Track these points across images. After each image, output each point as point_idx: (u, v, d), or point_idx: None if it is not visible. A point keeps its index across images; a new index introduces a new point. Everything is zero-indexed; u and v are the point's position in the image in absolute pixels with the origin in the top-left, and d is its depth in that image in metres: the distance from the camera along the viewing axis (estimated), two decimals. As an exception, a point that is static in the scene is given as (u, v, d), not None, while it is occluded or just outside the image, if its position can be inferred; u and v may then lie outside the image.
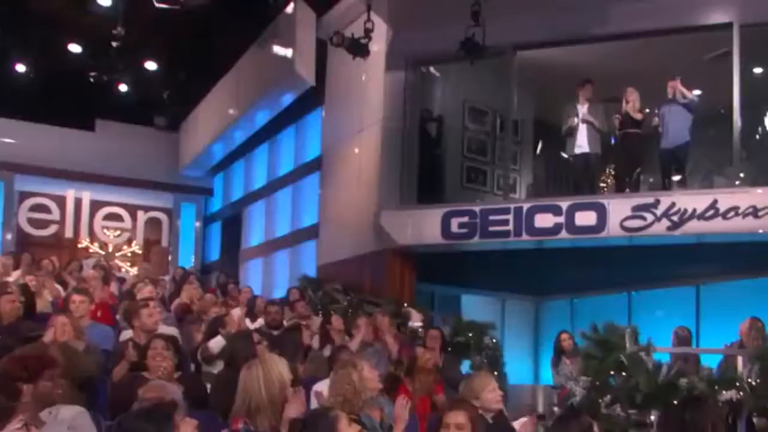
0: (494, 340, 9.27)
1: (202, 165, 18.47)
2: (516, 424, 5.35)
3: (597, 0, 10.37)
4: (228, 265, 17.00)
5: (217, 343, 7.33)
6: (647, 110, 10.46)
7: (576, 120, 10.58)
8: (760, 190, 9.05)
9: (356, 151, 12.75)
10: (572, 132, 10.65)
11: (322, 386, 5.87)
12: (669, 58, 10.70)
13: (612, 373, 6.27)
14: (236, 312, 8.79)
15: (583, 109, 10.67)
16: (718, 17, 9.75)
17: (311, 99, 14.21)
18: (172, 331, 7.36)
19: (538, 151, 12.48)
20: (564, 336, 9.03)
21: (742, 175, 9.63)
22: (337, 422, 4.57)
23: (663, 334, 9.10)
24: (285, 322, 9.30)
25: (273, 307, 9.52)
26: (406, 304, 10.68)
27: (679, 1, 9.85)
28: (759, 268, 10.25)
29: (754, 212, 8.88)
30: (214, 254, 18.69)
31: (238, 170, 17.70)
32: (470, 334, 9.29)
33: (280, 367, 4.41)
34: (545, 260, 11.11)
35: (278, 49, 13.69)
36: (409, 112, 12.02)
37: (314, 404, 5.76)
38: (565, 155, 13.05)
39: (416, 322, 8.92)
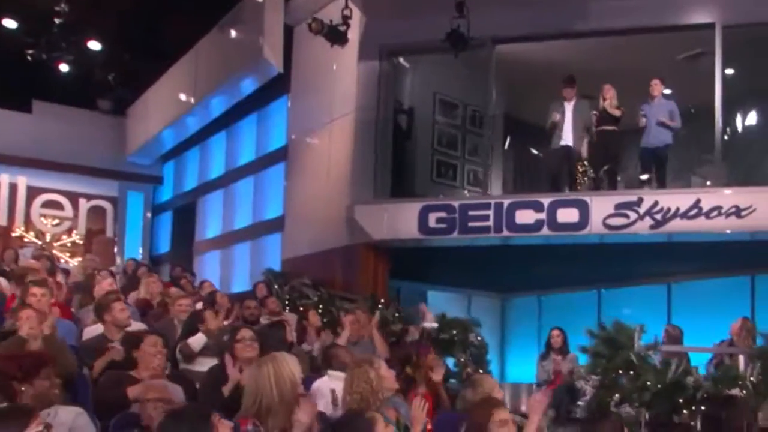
0: (479, 338, 9.23)
1: (151, 152, 17.88)
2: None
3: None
4: (180, 257, 16.53)
5: (197, 341, 7.05)
6: (623, 109, 10.53)
7: (559, 116, 10.61)
8: (743, 190, 9.24)
9: (327, 141, 12.53)
10: (556, 127, 10.66)
11: (321, 383, 5.71)
12: (647, 56, 10.86)
13: (620, 372, 6.28)
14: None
15: (569, 106, 10.71)
16: (700, 17, 9.91)
17: (276, 86, 13.89)
18: (139, 326, 7.03)
19: (506, 146, 12.43)
20: (555, 332, 9.06)
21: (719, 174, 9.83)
22: (375, 424, 4.45)
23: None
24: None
25: (251, 302, 9.26)
26: (382, 301, 10.56)
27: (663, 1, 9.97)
28: (733, 267, 10.52)
29: (737, 212, 9.07)
30: (164, 246, 18.15)
31: (192, 158, 17.21)
32: (454, 332, 9.22)
33: (291, 365, 4.27)
34: (513, 257, 11.14)
35: (244, 34, 13.36)
36: (383, 103, 11.88)
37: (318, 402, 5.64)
38: (535, 151, 13.25)
39: (430, 322, 8.79)
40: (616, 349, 6.37)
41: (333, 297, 11.30)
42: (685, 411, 6.03)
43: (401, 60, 12.63)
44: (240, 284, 14.20)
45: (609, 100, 10.50)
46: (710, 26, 9.86)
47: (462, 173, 13.08)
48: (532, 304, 13.52)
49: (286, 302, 11.41)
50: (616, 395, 6.21)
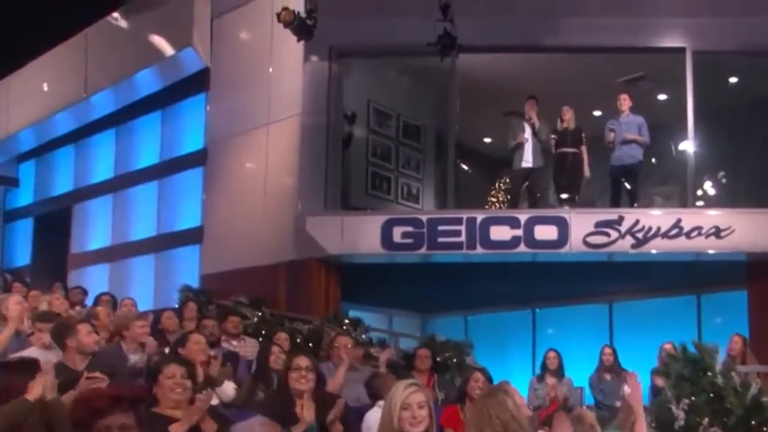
0: (476, 362, 8.79)
1: (4, 150, 15.74)
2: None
3: (550, 10, 10.38)
4: (47, 271, 14.50)
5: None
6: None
7: (524, 137, 10.49)
8: (722, 212, 9.60)
9: (263, 146, 11.52)
10: (519, 147, 10.55)
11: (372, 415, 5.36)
12: (601, 76, 11.12)
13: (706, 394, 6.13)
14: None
15: (529, 126, 10.63)
16: (671, 41, 10.23)
17: (187, 84, 12.69)
18: (39, 354, 5.86)
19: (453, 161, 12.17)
20: (551, 354, 8.81)
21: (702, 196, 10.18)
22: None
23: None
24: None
25: (209, 321, 8.24)
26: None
27: (634, 21, 10.17)
28: (678, 287, 10.91)
29: (717, 232, 9.39)
30: (22, 258, 15.84)
31: (64, 159, 15.20)
32: (447, 354, 8.72)
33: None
34: (434, 275, 10.89)
35: (160, 23, 12.06)
36: (332, 107, 11.16)
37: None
38: (465, 167, 13.10)
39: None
40: (699, 370, 6.22)
41: (279, 317, 10.37)
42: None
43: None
44: (141, 303, 12.67)
45: (567, 121, 10.53)
46: (681, 50, 10.18)
47: (396, 186, 12.62)
48: (457, 324, 13.23)
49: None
50: (705, 419, 6.04)
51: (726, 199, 10.50)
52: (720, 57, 10.22)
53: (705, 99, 10.24)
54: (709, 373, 6.22)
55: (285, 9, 9.52)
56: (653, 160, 11.45)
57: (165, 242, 12.82)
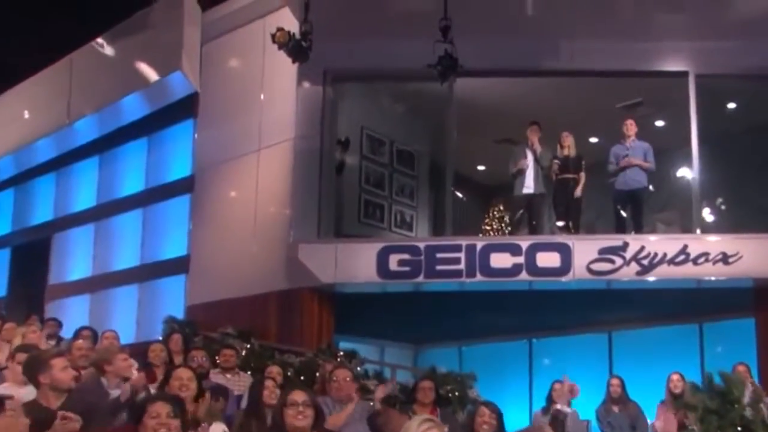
0: (479, 395, 8.38)
1: (-21, 178, 15.29)
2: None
3: (550, 33, 10.19)
4: (24, 303, 13.94)
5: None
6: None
7: (526, 163, 10.29)
8: (729, 237, 9.34)
9: (253, 172, 11.15)
10: (521, 174, 10.33)
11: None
12: (599, 101, 10.93)
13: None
14: None
15: (531, 152, 10.41)
16: (674, 65, 10.06)
17: (175, 110, 12.34)
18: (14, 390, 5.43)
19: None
20: (557, 386, 8.41)
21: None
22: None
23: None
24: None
25: (198, 352, 7.85)
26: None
27: (636, 45, 10.00)
28: (679, 315, 10.61)
29: (724, 258, 9.12)
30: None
31: (45, 187, 14.73)
32: (449, 387, 8.31)
33: None
34: (429, 304, 10.53)
35: (150, 47, 11.73)
36: (327, 132, 10.83)
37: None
38: (459, 194, 12.83)
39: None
40: (726, 403, 5.86)
41: (268, 350, 9.93)
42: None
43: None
44: (123, 335, 12.14)
45: (567, 147, 10.33)
46: (683, 74, 10.01)
47: (390, 214, 12.29)
48: (452, 356, 12.83)
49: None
50: (733, 454, 5.68)
51: (731, 224, 10.26)
52: (723, 81, 10.03)
53: (708, 123, 10.03)
54: (737, 406, 5.88)
55: (280, 30, 9.21)
56: (650, 186, 11.31)
57: (149, 272, 12.36)
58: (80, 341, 7.89)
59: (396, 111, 12.55)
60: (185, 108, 12.20)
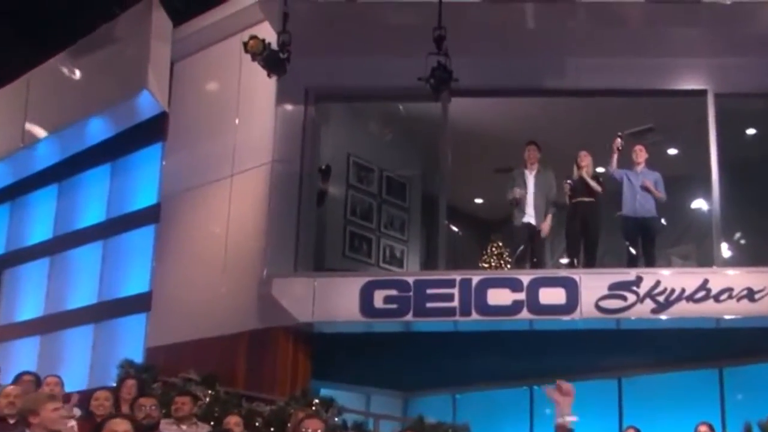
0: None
1: None
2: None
3: (554, 50, 9.87)
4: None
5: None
6: (602, 181, 10.08)
7: (521, 192, 9.95)
8: (755, 271, 8.89)
9: (225, 200, 10.68)
10: (519, 203, 9.94)
11: None
12: (608, 126, 10.59)
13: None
14: None
15: (532, 176, 10.05)
16: (691, 83, 9.74)
17: (143, 131, 11.92)
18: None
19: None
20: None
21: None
22: None
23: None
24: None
25: (147, 400, 7.27)
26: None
27: (648, 61, 9.69)
28: (697, 359, 10.10)
29: (750, 295, 8.67)
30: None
31: (-3, 219, 14.28)
32: (441, 438, 7.78)
33: None
34: (420, 347, 9.98)
35: (114, 64, 11.33)
36: (307, 156, 10.41)
37: None
38: (454, 228, 12.41)
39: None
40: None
41: (235, 397, 9.37)
42: None
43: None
44: (74, 381, 11.55)
45: (585, 168, 9.97)
46: (701, 93, 9.69)
47: (378, 248, 11.84)
48: (445, 404, 12.21)
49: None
50: None
51: (752, 259, 9.84)
52: (745, 101, 9.71)
53: (727, 149, 9.67)
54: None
55: (253, 38, 8.83)
56: (662, 220, 10.99)
57: (107, 310, 11.78)
58: (9, 387, 7.33)
59: (385, 136, 12.19)
60: (153, 130, 11.75)
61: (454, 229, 12.58)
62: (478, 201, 13.07)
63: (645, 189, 9.58)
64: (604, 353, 9.92)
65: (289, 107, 10.54)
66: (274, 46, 8.90)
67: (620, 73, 9.71)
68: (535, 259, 10.06)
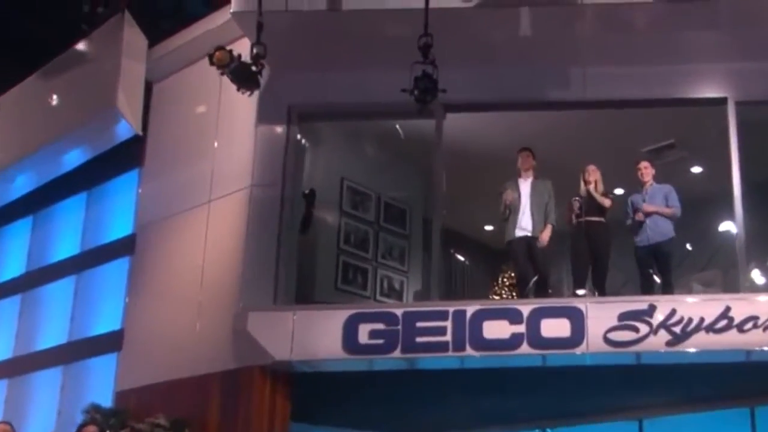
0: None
1: None
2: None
3: (559, 57, 9.51)
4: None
5: None
6: (612, 197, 9.67)
7: (514, 196, 9.70)
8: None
9: (201, 228, 10.30)
10: (510, 211, 9.69)
11: None
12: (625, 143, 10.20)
13: None
14: None
15: (526, 184, 9.77)
16: (710, 91, 9.30)
17: (119, 157, 11.67)
18: None
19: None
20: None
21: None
22: None
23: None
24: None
25: None
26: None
27: (661, 68, 9.29)
28: (725, 397, 9.52)
29: (779, 324, 8.10)
30: None
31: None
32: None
33: None
34: (411, 386, 9.47)
35: (86, 83, 11.12)
36: (289, 180, 10.06)
37: None
38: (461, 257, 12.01)
39: None
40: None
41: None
42: None
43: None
44: (40, 427, 11.22)
45: (594, 183, 9.55)
46: (721, 101, 9.23)
47: (375, 280, 11.43)
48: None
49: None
50: None
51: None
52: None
53: (751, 162, 9.19)
54: None
55: (219, 49, 8.54)
56: (688, 245, 10.50)
57: (76, 351, 11.41)
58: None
59: (381, 158, 11.84)
60: (130, 156, 11.52)
61: (461, 258, 12.22)
62: (488, 228, 12.62)
63: (647, 215, 9.22)
64: (620, 391, 9.40)
65: (270, 127, 10.24)
66: (246, 58, 8.65)
67: (630, 82, 9.35)
68: (529, 287, 9.61)
